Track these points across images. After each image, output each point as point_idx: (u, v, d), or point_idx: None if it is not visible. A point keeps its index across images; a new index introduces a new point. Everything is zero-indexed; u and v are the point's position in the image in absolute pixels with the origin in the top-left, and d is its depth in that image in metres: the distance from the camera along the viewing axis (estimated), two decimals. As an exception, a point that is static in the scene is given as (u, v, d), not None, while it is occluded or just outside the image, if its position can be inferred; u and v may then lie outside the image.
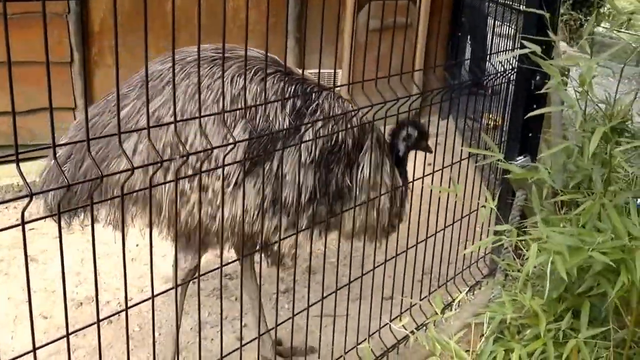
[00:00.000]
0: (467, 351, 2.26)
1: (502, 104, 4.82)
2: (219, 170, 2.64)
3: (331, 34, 2.66)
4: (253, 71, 2.77)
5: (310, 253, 2.96)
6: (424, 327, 3.28)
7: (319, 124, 2.80)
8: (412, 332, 2.43)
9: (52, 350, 2.83)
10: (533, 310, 2.13)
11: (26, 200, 1.53)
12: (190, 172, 2.63)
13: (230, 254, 3.22)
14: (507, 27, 5.25)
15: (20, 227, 1.58)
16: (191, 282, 3.36)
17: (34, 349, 1.73)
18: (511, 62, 4.13)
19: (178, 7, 5.58)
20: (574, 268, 1.99)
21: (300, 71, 2.89)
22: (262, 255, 3.03)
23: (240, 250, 3.04)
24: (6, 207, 4.94)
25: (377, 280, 3.09)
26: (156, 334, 3.57)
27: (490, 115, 5.37)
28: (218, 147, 2.50)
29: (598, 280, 2.07)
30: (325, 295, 2.80)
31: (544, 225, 2.14)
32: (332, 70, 6.30)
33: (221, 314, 2.53)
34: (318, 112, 2.83)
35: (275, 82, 2.77)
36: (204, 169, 2.59)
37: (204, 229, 2.78)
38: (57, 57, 5.51)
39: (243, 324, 3.53)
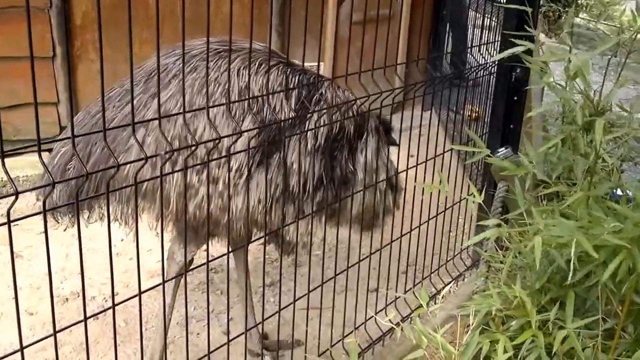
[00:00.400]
0: (451, 342, 2.27)
1: (484, 96, 4.84)
2: (231, 162, 2.65)
3: (315, 27, 2.66)
4: (257, 63, 2.77)
5: (296, 245, 2.95)
6: (409, 319, 3.29)
7: (324, 112, 2.82)
8: (397, 324, 2.43)
9: (39, 346, 2.80)
10: (521, 302, 2.14)
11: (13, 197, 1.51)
12: (199, 165, 2.63)
13: (216, 248, 3.21)
14: (488, 19, 5.26)
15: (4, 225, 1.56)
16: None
17: (22, 348, 1.71)
18: (492, 54, 4.14)
19: (161, -1, 5.54)
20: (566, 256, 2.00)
21: (299, 62, 2.89)
22: (273, 245, 3.06)
23: (239, 242, 3.05)
24: (-11, 203, 4.89)
25: (362, 272, 3.10)
26: (143, 329, 3.55)
27: (472, 107, 5.39)
28: (203, 142, 2.46)
29: (592, 270, 2.07)
30: (311, 288, 2.80)
31: (540, 216, 2.14)
32: (316, 64, 6.29)
33: (208, 308, 2.51)
34: (322, 102, 2.85)
35: (279, 73, 2.78)
36: (212, 161, 2.59)
37: (213, 221, 2.77)
38: (40, 52, 5.44)
39: (230, 317, 3.52)
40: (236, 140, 2.51)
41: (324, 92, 2.88)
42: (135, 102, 2.74)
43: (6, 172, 1.53)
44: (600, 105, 2.33)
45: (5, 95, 5.33)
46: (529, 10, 2.72)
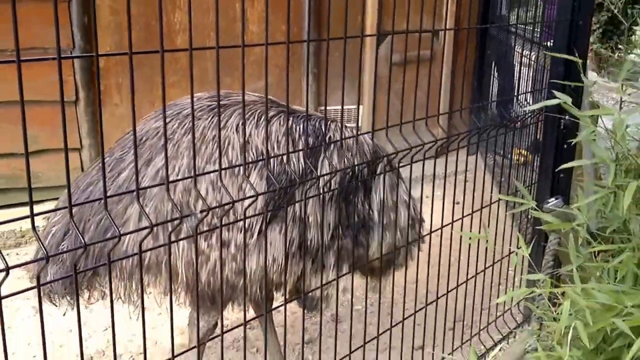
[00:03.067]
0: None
1: (534, 138, 4.92)
2: (240, 223, 2.73)
3: (352, 69, 2.77)
4: (257, 116, 2.91)
5: (337, 299, 3.06)
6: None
7: (335, 158, 2.92)
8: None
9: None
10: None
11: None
12: (206, 229, 2.72)
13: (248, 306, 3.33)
14: (535, 62, 5.38)
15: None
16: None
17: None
18: (539, 101, 4.26)
19: (186, 40, 5.70)
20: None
21: (302, 108, 3.02)
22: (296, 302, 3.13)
23: (260, 303, 3.16)
24: None
25: (406, 329, 3.22)
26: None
27: (520, 151, 5.50)
28: (215, 207, 2.43)
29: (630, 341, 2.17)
30: (353, 349, 2.91)
31: (577, 277, 2.26)
32: (355, 107, 6.54)
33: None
34: (332, 146, 2.95)
35: (282, 123, 2.90)
36: (224, 223, 2.67)
37: (230, 286, 2.89)
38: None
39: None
40: (251, 204, 2.54)
41: (332, 135, 3.00)
42: (127, 172, 2.86)
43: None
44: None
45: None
46: (579, 61, 2.88)
